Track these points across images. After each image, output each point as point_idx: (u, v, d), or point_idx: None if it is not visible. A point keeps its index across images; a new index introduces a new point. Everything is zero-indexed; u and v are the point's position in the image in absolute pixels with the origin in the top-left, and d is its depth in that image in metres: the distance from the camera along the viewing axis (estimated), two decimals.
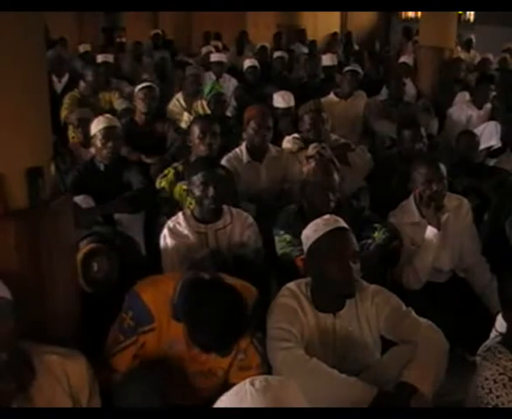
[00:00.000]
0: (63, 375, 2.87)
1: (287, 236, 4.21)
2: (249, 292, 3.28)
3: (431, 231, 4.25)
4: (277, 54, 10.36)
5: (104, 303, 3.51)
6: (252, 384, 1.87)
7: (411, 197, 4.52)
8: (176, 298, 3.14)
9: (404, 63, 9.22)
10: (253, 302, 3.27)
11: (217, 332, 2.90)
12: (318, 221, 3.42)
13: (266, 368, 3.28)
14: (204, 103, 7.37)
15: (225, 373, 3.32)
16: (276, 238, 4.28)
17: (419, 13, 12.99)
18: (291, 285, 3.45)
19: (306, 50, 12.91)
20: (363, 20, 17.28)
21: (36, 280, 3.05)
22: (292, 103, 6.62)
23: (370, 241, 4.25)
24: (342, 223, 3.39)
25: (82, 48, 11.79)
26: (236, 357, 3.27)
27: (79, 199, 4.64)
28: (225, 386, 3.10)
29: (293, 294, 3.39)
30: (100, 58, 9.43)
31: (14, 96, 2.95)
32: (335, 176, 4.33)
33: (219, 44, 12.54)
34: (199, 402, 3.27)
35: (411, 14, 18.86)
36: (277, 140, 5.77)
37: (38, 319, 3.06)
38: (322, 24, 14.58)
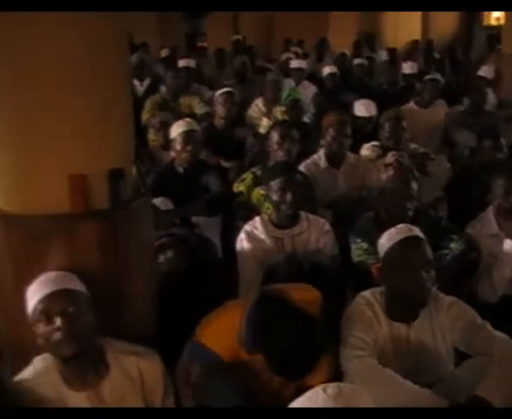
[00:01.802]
0: (137, 374, 2.92)
1: (364, 244, 4.19)
2: (313, 305, 3.20)
3: (509, 244, 4.18)
4: (357, 61, 10.33)
5: (175, 299, 3.54)
6: (325, 390, 1.88)
7: (490, 208, 4.45)
8: (244, 332, 3.04)
9: (483, 77, 8.90)
10: (320, 308, 3.24)
11: (294, 362, 2.88)
12: (392, 230, 3.40)
13: (333, 368, 3.26)
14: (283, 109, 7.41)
15: None
16: (352, 246, 4.26)
17: (502, 20, 12.76)
18: (366, 293, 3.43)
19: (386, 57, 12.81)
20: (444, 27, 17.01)
21: (114, 279, 3.11)
22: (374, 112, 6.59)
23: (446, 251, 4.20)
24: (417, 232, 3.36)
25: (164, 53, 11.96)
26: None
27: (158, 201, 4.71)
28: (294, 389, 3.12)
29: (367, 302, 3.37)
30: (181, 63, 9.54)
31: (98, 98, 3.02)
32: (413, 185, 4.29)
33: (299, 51, 12.55)
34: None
35: (493, 21, 18.54)
36: (356, 148, 5.76)
37: (115, 317, 3.12)
38: (403, 30, 14.39)
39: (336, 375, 3.19)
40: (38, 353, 2.90)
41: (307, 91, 9.20)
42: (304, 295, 3.21)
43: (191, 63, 9.67)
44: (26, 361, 2.95)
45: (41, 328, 2.76)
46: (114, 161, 3.08)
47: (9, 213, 3.10)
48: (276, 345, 2.90)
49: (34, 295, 2.80)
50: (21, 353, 3.04)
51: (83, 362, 2.84)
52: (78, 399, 2.84)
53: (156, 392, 2.97)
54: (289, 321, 2.93)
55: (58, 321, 2.73)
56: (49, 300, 2.76)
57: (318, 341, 2.95)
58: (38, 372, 2.87)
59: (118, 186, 3.07)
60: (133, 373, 2.91)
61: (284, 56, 11.49)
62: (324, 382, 3.00)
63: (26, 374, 2.89)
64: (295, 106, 7.06)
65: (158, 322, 3.38)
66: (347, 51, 11.64)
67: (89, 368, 2.87)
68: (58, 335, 2.72)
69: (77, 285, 2.86)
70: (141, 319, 3.27)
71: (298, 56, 11.48)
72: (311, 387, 1.95)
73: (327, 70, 9.25)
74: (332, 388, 1.89)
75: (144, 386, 2.94)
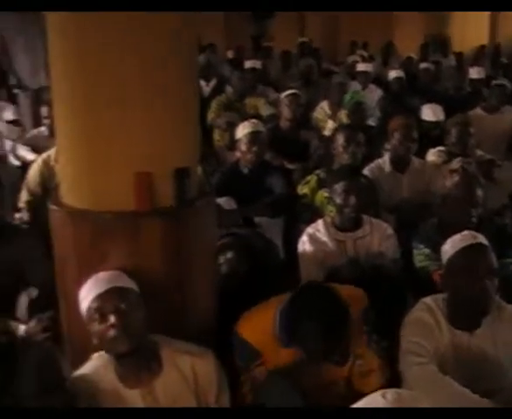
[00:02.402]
0: (191, 373, 2.94)
1: (426, 250, 4.16)
2: (356, 298, 3.29)
3: None
4: (423, 65, 10.22)
5: (236, 300, 3.56)
6: (384, 396, 1.87)
7: None
8: (278, 325, 3.15)
9: None
10: (363, 307, 3.29)
11: (319, 336, 2.93)
12: (456, 236, 3.37)
13: (389, 371, 3.29)
14: None
15: (347, 382, 3.31)
16: (415, 251, 4.24)
17: None
18: (428, 299, 3.41)
19: (453, 62, 12.68)
20: None
21: (177, 277, 3.15)
22: (441, 117, 6.51)
23: (511, 260, 4.15)
24: (481, 239, 3.32)
25: (230, 54, 12.02)
26: (354, 364, 3.27)
27: (222, 201, 4.74)
28: (349, 394, 3.16)
29: (429, 309, 3.34)
30: (247, 64, 9.57)
31: (166, 98, 3.05)
32: (479, 192, 4.24)
33: (365, 54, 12.49)
34: None
35: None
36: (422, 153, 5.72)
37: (176, 316, 3.15)
38: (471, 34, 14.21)
39: (395, 381, 3.18)
40: (96, 350, 2.95)
41: (373, 94, 9.14)
42: (349, 292, 3.29)
43: (257, 64, 9.69)
44: (86, 357, 3.01)
45: (96, 327, 2.82)
46: (180, 160, 3.11)
47: (75, 208, 3.16)
48: (302, 320, 2.99)
49: (88, 295, 2.86)
50: (81, 348, 3.10)
51: (137, 359, 2.88)
52: (131, 396, 2.88)
53: (210, 392, 2.98)
54: (315, 300, 3.02)
55: (111, 319, 2.77)
56: (102, 299, 2.82)
57: (342, 321, 2.99)
58: (94, 368, 2.93)
59: (183, 185, 3.10)
60: (187, 372, 2.93)
61: (350, 59, 11.45)
62: (380, 386, 3.07)
63: (84, 370, 2.96)
64: (358, 108, 7.03)
65: (219, 323, 3.40)
66: (413, 55, 11.54)
67: (143, 366, 2.90)
68: (112, 332, 2.77)
69: (128, 282, 2.91)
70: (202, 318, 3.30)
71: (364, 59, 11.43)
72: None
73: (393, 74, 9.19)
74: (391, 393, 1.88)
75: (198, 385, 2.95)
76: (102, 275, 2.91)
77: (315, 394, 3.27)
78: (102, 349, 2.90)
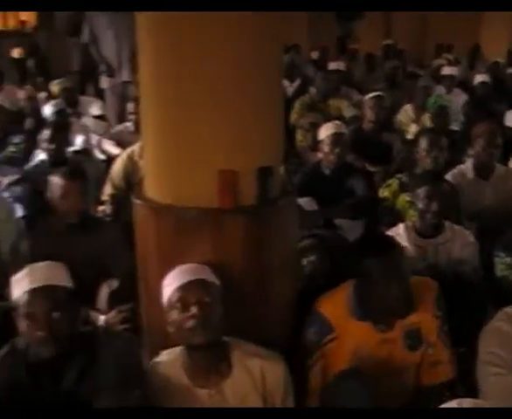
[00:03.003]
0: (259, 377, 2.94)
1: (508, 259, 4.09)
2: (428, 285, 3.39)
3: None
4: (511, 70, 10.05)
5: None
6: (460, 405, 1.87)
7: None
8: (352, 297, 3.25)
9: None
10: (436, 294, 3.34)
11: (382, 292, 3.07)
12: None
13: (455, 369, 3.33)
14: None
15: (417, 369, 3.33)
16: (496, 260, 4.17)
17: None
18: (509, 309, 3.36)
19: None
20: None
21: (257, 274, 3.17)
22: None
23: None
24: None
25: (314, 55, 12.02)
26: (426, 351, 3.29)
27: (303, 201, 4.75)
28: (416, 385, 3.29)
29: (509, 319, 3.30)
30: (332, 66, 9.57)
31: (251, 97, 3.08)
32: None
33: (451, 57, 12.34)
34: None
35: None
36: (507, 160, 5.63)
37: (255, 314, 3.17)
38: None
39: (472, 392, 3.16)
40: (174, 344, 3.00)
41: (459, 98, 9.02)
42: (421, 279, 3.42)
43: (341, 66, 9.69)
44: (165, 349, 3.06)
45: (175, 315, 2.85)
46: (264, 159, 3.13)
47: (159, 203, 3.22)
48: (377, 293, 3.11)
49: (172, 283, 2.91)
50: (160, 342, 3.15)
51: (208, 358, 2.91)
52: (199, 395, 2.91)
53: (277, 394, 2.97)
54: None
55: (193, 309, 2.80)
56: (186, 289, 2.85)
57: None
58: (165, 362, 2.98)
59: (266, 184, 3.11)
60: (256, 375, 2.93)
61: (436, 62, 11.32)
62: (446, 380, 3.22)
63: (157, 361, 3.01)
64: (441, 112, 6.94)
65: (297, 323, 3.41)
66: (501, 59, 11.34)
67: (212, 366, 2.93)
68: (192, 322, 2.80)
69: (211, 276, 2.95)
70: (280, 318, 3.31)
71: (450, 62, 11.29)
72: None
73: (478, 78, 9.06)
74: (468, 403, 1.88)
75: (266, 388, 2.95)
76: (187, 266, 2.96)
77: (386, 383, 3.26)
78: (177, 339, 2.93)
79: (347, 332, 3.24)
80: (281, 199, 3.25)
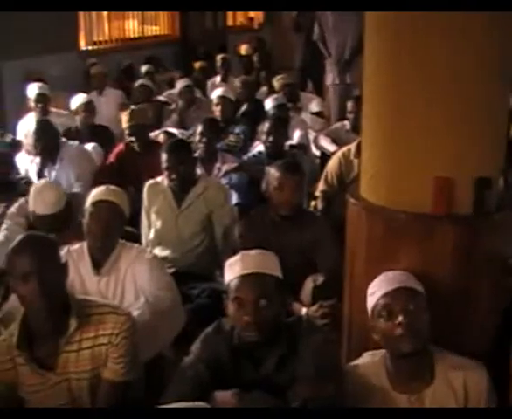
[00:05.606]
0: (461, 390, 2.89)
1: None
2: None
3: None
4: None
5: None
6: None
7: None
8: None
9: None
10: None
11: None
12: None
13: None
14: None
15: None
16: None
17: None
18: None
19: None
20: None
21: (464, 285, 3.10)
22: None
23: None
24: None
25: None
26: None
27: None
28: None
29: None
30: None
31: (474, 107, 3.01)
32: None
33: None
34: None
35: None
36: None
37: (458, 326, 3.11)
38: None
39: None
40: (374, 345, 3.01)
41: None
42: None
43: None
44: (363, 350, 3.10)
45: (382, 324, 2.87)
46: (482, 169, 3.06)
47: (371, 203, 3.24)
48: None
49: (377, 291, 2.92)
50: (360, 341, 3.20)
51: (412, 365, 2.89)
52: (399, 399, 2.90)
53: (479, 405, 2.90)
54: None
55: (399, 318, 2.80)
56: (391, 297, 2.86)
57: None
58: (368, 364, 3.00)
59: (483, 195, 3.04)
60: (457, 387, 2.89)
61: None
62: None
63: (359, 362, 3.04)
64: None
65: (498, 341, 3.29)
66: None
67: (415, 373, 2.91)
68: (399, 331, 2.80)
69: (416, 284, 2.92)
70: (481, 332, 3.21)
71: None
72: None
73: None
74: None
75: (468, 401, 2.89)
76: (392, 274, 2.96)
77: None
78: (382, 346, 2.94)
79: None
80: (498, 213, 3.15)
